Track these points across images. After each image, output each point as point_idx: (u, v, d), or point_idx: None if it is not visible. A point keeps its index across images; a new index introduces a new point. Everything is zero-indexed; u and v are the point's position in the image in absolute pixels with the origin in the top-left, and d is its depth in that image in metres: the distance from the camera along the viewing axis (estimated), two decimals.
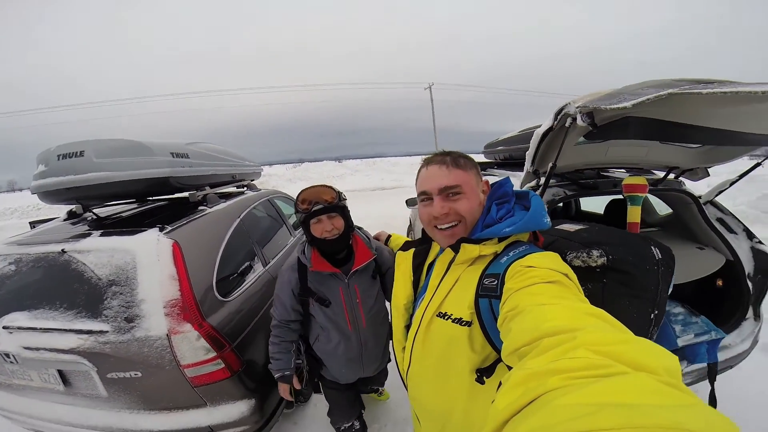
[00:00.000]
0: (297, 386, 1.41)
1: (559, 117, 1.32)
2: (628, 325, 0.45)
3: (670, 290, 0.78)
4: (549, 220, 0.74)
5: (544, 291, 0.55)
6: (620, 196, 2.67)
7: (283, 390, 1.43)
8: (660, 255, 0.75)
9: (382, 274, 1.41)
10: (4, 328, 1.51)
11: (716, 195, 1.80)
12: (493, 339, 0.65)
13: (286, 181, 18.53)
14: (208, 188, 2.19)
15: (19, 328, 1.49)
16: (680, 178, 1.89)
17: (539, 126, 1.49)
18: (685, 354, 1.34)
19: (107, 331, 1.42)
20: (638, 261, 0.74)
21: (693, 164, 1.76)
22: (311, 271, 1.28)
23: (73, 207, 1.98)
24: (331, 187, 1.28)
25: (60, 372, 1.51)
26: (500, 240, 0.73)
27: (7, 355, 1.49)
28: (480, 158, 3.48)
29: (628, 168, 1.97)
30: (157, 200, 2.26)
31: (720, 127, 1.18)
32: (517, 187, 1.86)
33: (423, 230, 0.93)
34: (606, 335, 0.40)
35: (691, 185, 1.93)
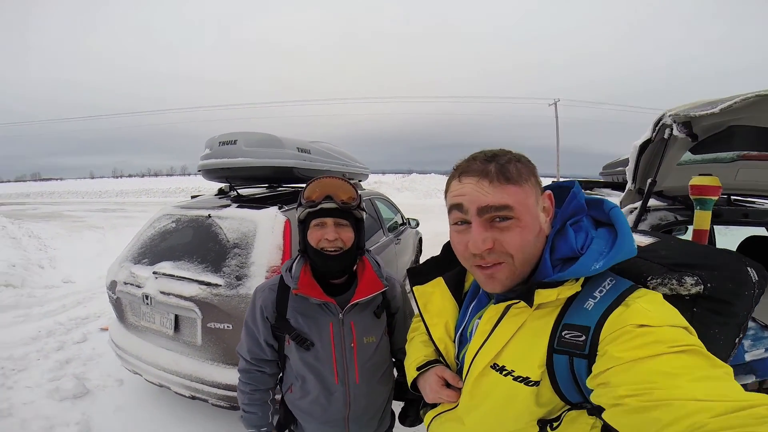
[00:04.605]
0: None
1: (657, 128, 1.24)
2: (714, 353, 0.43)
3: None
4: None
5: (680, 367, 0.42)
6: (762, 231, 2.08)
7: None
8: (756, 277, 0.65)
9: (390, 314, 1.06)
10: (153, 273, 1.80)
11: None
12: (567, 396, 0.55)
13: (394, 189, 19.74)
14: None
15: (164, 274, 1.77)
16: None
17: None
18: (752, 368, 1.30)
19: (221, 285, 1.57)
20: (737, 288, 0.64)
21: None
22: (294, 294, 0.94)
23: (223, 186, 2.41)
24: (352, 186, 0.96)
25: (176, 317, 1.70)
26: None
27: (147, 297, 1.75)
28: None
29: None
30: (286, 187, 2.59)
31: None
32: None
33: (444, 247, 0.74)
34: None
35: None
